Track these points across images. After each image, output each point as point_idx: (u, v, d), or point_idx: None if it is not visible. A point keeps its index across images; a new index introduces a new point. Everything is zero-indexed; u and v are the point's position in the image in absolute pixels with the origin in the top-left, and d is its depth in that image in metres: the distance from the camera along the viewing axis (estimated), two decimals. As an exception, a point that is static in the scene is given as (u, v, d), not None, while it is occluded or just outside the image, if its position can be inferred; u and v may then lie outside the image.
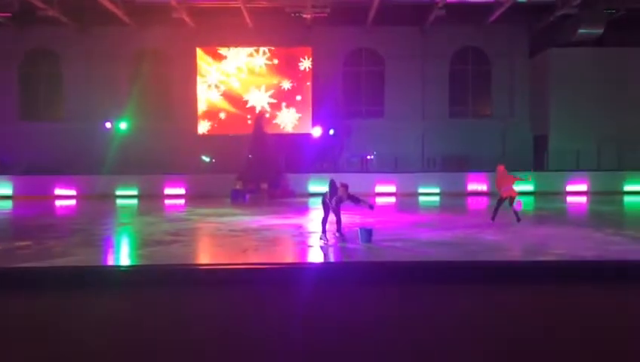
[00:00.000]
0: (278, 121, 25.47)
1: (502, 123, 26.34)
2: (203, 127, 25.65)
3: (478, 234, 11.20)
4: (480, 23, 24.93)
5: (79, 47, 25.42)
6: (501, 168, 12.85)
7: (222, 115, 25.62)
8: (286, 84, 25.57)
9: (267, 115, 24.21)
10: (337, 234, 10.45)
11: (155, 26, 24.07)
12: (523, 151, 26.06)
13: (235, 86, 25.66)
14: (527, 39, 26.66)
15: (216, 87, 25.66)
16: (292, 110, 25.61)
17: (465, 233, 11.33)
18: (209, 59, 25.67)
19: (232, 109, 25.64)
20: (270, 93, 25.60)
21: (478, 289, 1.53)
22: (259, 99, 25.53)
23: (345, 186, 10.38)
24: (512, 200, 12.43)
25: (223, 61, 25.66)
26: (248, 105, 25.54)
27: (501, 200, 12.61)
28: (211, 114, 25.68)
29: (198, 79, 25.64)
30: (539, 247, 9.92)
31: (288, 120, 25.62)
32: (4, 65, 25.71)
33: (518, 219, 12.37)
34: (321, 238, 10.15)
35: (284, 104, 25.63)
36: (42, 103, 26.41)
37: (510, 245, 9.90)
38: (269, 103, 25.54)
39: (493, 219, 12.50)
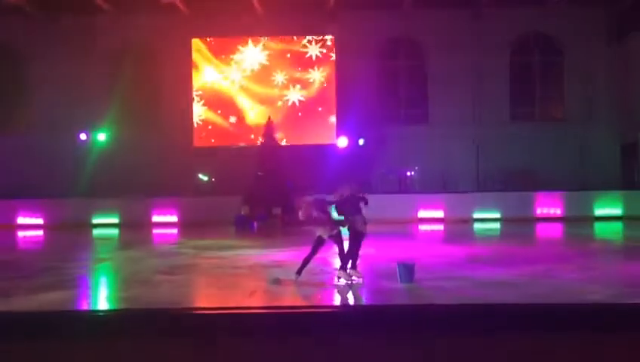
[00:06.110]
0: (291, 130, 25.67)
1: (578, 128, 26.07)
2: (199, 138, 25.94)
3: (550, 271, 11.02)
4: (547, 3, 24.84)
5: (46, 42, 25.91)
6: None
7: (222, 125, 25.96)
8: (302, 86, 25.82)
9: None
10: (341, 274, 10.02)
11: (140, 13, 24.47)
12: (607, 163, 25.71)
13: (241, 86, 25.99)
14: (609, 21, 26.44)
15: (215, 90, 26.01)
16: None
17: (533, 270, 11.16)
18: (209, 54, 26.03)
19: (232, 118, 25.96)
20: (283, 96, 25.90)
21: (550, 339, 1.50)
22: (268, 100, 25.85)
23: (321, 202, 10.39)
24: None
25: (228, 57, 26.03)
26: (253, 113, 25.84)
27: None
28: (210, 123, 25.98)
29: (194, 80, 26.00)
30: (630, 288, 9.71)
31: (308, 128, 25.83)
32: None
33: None
34: (339, 276, 10.01)
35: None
36: (1, 112, 26.85)
37: (592, 285, 9.70)
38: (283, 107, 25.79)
39: None
